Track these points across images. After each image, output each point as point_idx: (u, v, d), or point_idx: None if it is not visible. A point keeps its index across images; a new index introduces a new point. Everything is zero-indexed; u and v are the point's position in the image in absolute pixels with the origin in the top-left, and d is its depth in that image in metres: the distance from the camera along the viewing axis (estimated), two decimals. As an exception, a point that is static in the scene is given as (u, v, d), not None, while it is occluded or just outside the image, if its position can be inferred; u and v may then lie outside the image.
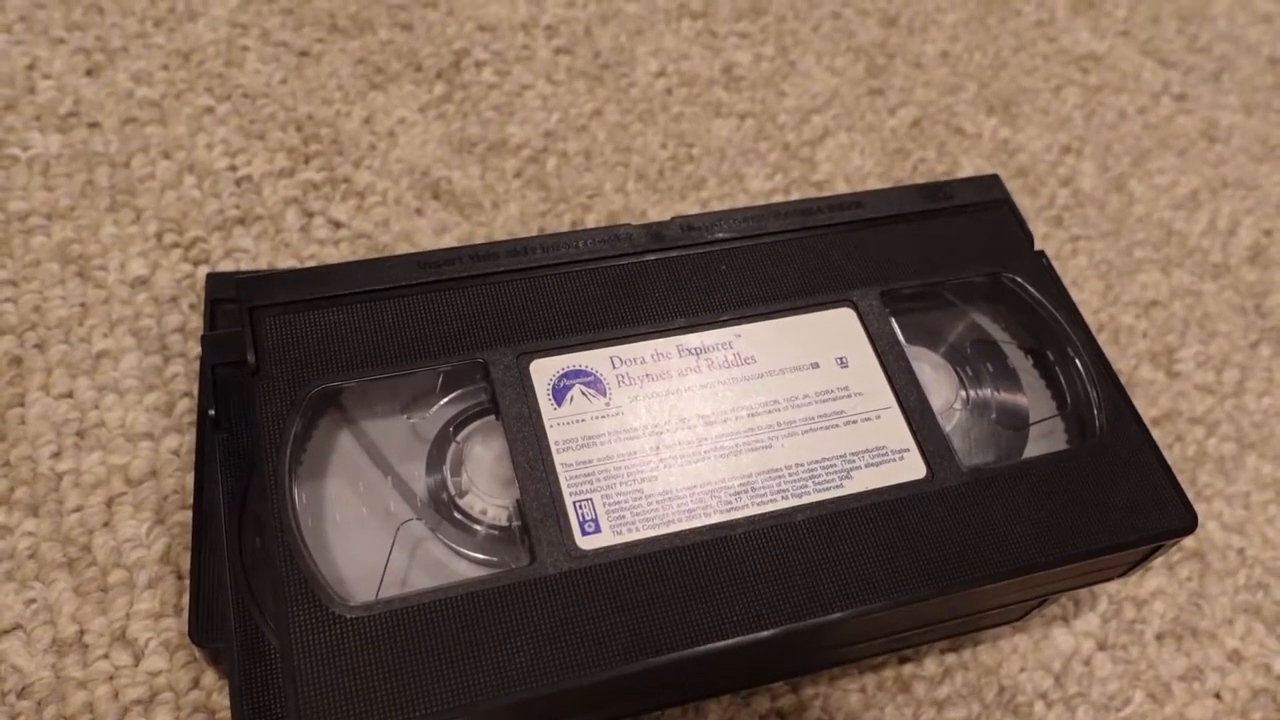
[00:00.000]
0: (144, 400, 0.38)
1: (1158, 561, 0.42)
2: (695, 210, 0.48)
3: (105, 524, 0.36)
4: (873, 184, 0.50)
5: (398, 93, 0.49)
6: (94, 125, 0.45)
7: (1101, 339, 0.48)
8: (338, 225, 0.44)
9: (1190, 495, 0.43)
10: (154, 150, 0.44)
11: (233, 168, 0.45)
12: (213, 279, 0.38)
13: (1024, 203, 0.51)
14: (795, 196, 0.49)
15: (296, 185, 0.45)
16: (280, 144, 0.46)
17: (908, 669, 0.38)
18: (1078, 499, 0.31)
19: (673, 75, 0.52)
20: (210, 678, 0.34)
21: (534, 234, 0.44)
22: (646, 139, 0.50)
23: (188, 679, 0.33)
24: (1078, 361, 0.34)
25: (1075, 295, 0.49)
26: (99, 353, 0.39)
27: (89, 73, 0.46)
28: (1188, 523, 0.31)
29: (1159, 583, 0.41)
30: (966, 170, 0.52)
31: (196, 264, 0.42)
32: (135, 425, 0.38)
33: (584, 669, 0.26)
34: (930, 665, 0.38)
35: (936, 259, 0.35)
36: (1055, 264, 0.49)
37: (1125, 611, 0.40)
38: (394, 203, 0.45)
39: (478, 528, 0.30)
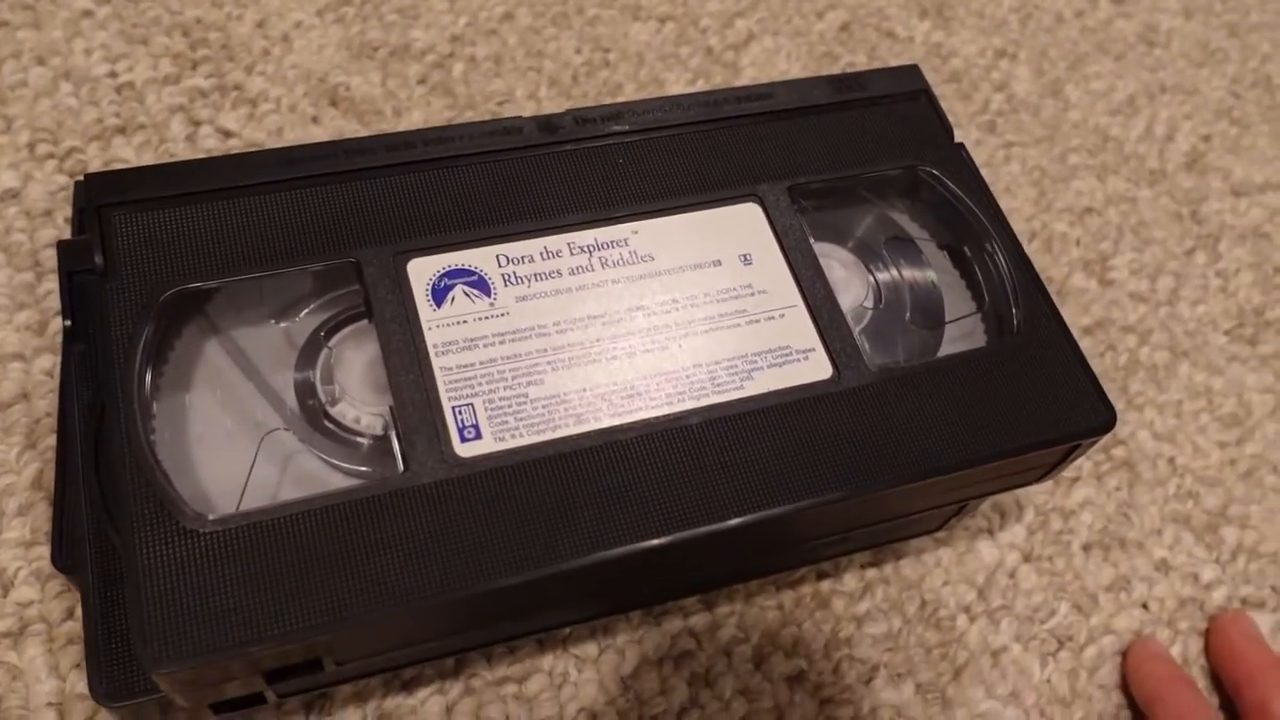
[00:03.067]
0: (14, 319, 0.36)
1: (1086, 471, 0.41)
2: (611, 117, 0.45)
3: (-29, 449, 0.33)
4: (799, 90, 0.48)
5: (294, -5, 0.46)
6: (-39, 30, 0.42)
7: (1034, 247, 0.46)
8: (227, 135, 0.41)
9: (1122, 404, 0.42)
10: (26, 56, 0.41)
11: (113, 74, 0.42)
12: (81, 185, 0.35)
13: (956, 108, 0.50)
14: (717, 103, 0.47)
15: (182, 92, 0.42)
16: (165, 49, 0.43)
17: (826, 584, 0.36)
18: (993, 398, 0.29)
19: (589, -23, 0.50)
20: (85, 608, 0.32)
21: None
22: (560, 43, 0.47)
23: (61, 609, 0.32)
24: (996, 258, 0.32)
25: (1007, 202, 0.47)
26: (-36, 269, 0.36)
27: (-44, -26, 0.43)
28: (1106, 420, 0.30)
29: (1087, 493, 0.40)
30: (897, 76, 0.50)
31: (72, 176, 0.39)
32: (4, 345, 0.35)
33: (462, 581, 0.25)
34: (850, 580, 0.37)
35: (849, 152, 0.33)
36: (987, 172, 0.47)
37: (1052, 523, 0.39)
38: (288, 110, 0.42)
39: (352, 438, 0.28)
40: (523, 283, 0.29)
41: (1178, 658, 0.38)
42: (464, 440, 0.26)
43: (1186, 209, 0.49)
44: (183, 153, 0.40)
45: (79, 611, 0.32)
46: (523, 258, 0.29)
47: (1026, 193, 0.48)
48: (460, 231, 0.29)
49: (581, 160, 0.31)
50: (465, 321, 0.28)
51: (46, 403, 0.35)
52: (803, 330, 0.30)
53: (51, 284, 0.37)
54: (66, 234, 0.38)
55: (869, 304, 0.33)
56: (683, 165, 0.32)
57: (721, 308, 0.30)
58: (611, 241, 0.30)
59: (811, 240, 0.31)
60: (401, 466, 0.26)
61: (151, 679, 0.23)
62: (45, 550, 0.32)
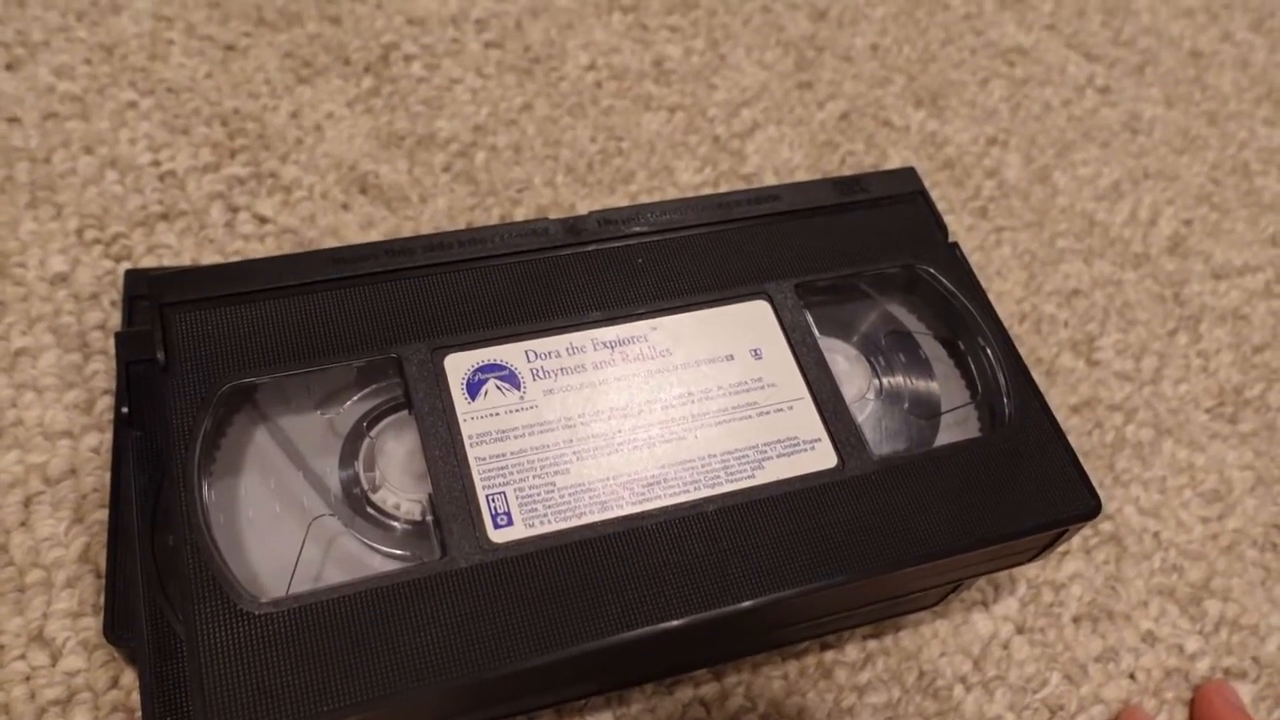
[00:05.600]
0: (63, 398, 0.38)
1: (1075, 545, 0.43)
2: (624, 204, 0.48)
3: (23, 523, 0.35)
4: (802, 176, 0.51)
5: (325, 87, 0.48)
6: (14, 120, 0.44)
7: (1024, 328, 0.48)
8: (263, 220, 0.44)
9: (1108, 480, 0.45)
10: (75, 145, 0.44)
11: (156, 163, 0.44)
12: (131, 275, 0.38)
13: (950, 194, 0.52)
14: (724, 189, 0.50)
15: (221, 180, 0.44)
16: (205, 139, 0.45)
17: (829, 655, 0.38)
18: (986, 485, 0.32)
19: (603, 69, 0.52)
20: (129, 677, 0.33)
21: (458, 229, 0.44)
22: (576, 133, 0.50)
23: (106, 678, 0.33)
24: (988, 351, 0.35)
25: (999, 286, 0.49)
26: (17, 350, 0.38)
27: (9, 67, 0.46)
28: (1092, 507, 0.32)
29: (1076, 566, 0.42)
30: (894, 162, 0.53)
31: (118, 260, 0.41)
32: (54, 423, 0.37)
33: (495, 661, 0.26)
34: (852, 651, 0.39)
35: (851, 251, 0.36)
36: (979, 255, 0.50)
37: (1043, 595, 0.41)
38: (320, 197, 0.45)
39: (391, 522, 0.30)
40: (550, 377, 0.31)
41: (1163, 727, 0.40)
42: (497, 526, 0.28)
43: (1169, 291, 0.52)
44: (221, 238, 0.43)
45: (123, 680, 0.34)
46: (550, 353, 0.32)
47: (1017, 275, 0.50)
48: (492, 328, 0.31)
49: (604, 260, 0.33)
50: (498, 414, 0.30)
51: (94, 479, 0.37)
52: (809, 422, 0.32)
53: (98, 364, 0.39)
54: (113, 317, 0.40)
55: (870, 395, 0.35)
56: (697, 265, 0.34)
57: (734, 400, 0.32)
58: (632, 338, 0.32)
59: (817, 335, 0.34)
60: (439, 551, 0.28)
61: (208, 751, 0.25)
62: (92, 621, 0.34)
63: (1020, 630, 0.40)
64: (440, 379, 0.30)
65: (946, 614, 0.40)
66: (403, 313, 0.31)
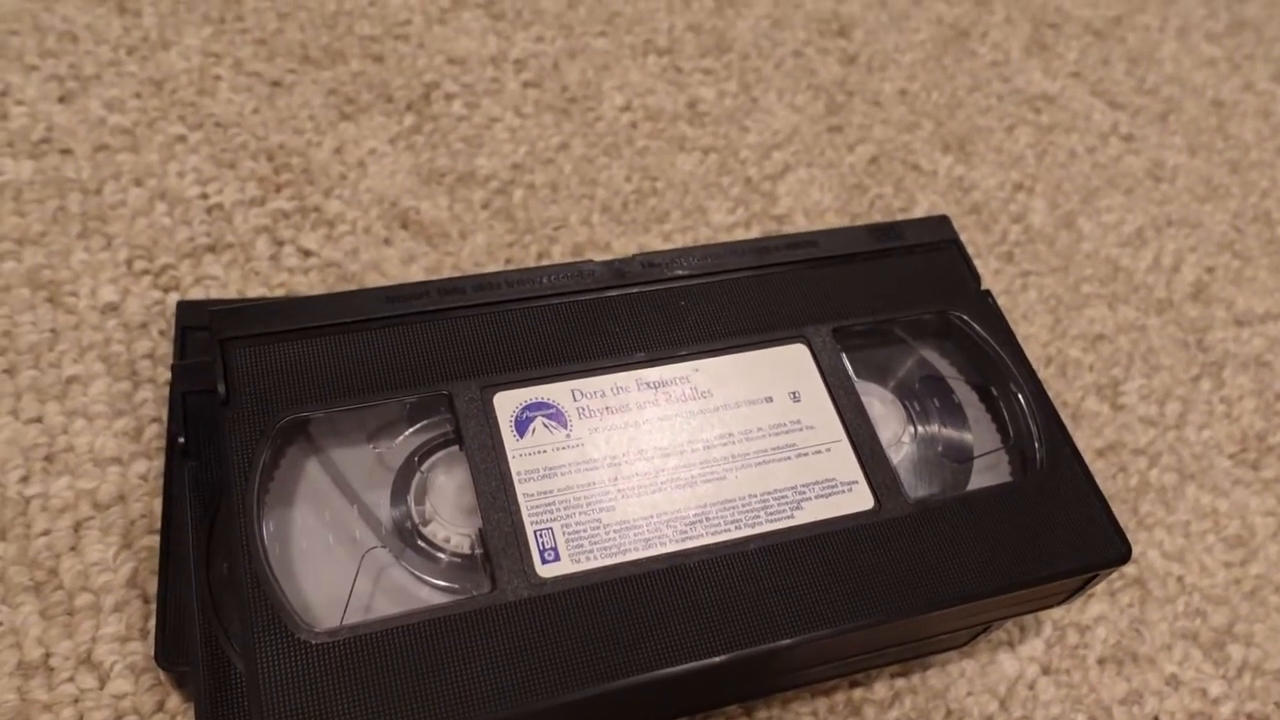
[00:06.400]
0: (113, 425, 0.39)
1: (1100, 588, 0.43)
2: (658, 243, 0.49)
3: (72, 548, 0.36)
4: (831, 219, 0.52)
5: (368, 123, 0.50)
6: (66, 152, 0.45)
7: (1049, 372, 0.49)
8: (307, 254, 0.45)
9: (1132, 524, 0.45)
10: (126, 177, 0.45)
11: (204, 195, 0.45)
12: (183, 307, 0.39)
13: (977, 239, 0.53)
14: (756, 230, 0.51)
15: (267, 214, 0.46)
16: (251, 173, 0.47)
17: (858, 693, 0.39)
18: (1018, 530, 0.32)
19: (638, 110, 0.54)
20: (175, 701, 0.34)
21: (500, 265, 0.45)
22: (612, 172, 0.51)
23: (153, 702, 0.34)
24: (1020, 397, 0.35)
25: (1024, 329, 0.50)
26: (68, 378, 0.39)
27: (62, 100, 0.47)
28: (1122, 553, 0.33)
29: (1101, 609, 0.43)
30: (922, 206, 0.54)
31: (166, 291, 0.42)
32: (104, 450, 0.38)
33: (542, 694, 0.27)
34: (880, 689, 0.39)
35: (887, 297, 0.36)
36: (1006, 299, 0.50)
37: (1069, 637, 0.42)
38: (363, 232, 0.46)
39: (441, 555, 0.31)
40: (595, 415, 0.32)
41: (1187, 771, 0.40)
42: (544, 562, 0.29)
43: (1192, 337, 0.52)
44: (267, 271, 0.44)
45: (169, 704, 0.34)
46: (595, 392, 0.32)
47: (1043, 319, 0.51)
48: (540, 367, 0.32)
49: (647, 303, 0.34)
50: (545, 451, 0.31)
51: (141, 505, 0.37)
52: (847, 464, 0.33)
53: (146, 393, 0.40)
54: (161, 346, 0.41)
55: (906, 439, 0.36)
56: (738, 308, 0.35)
57: (773, 441, 0.33)
58: (674, 379, 0.33)
59: (854, 379, 0.34)
60: (489, 585, 0.29)
61: (262, 776, 0.26)
62: (139, 645, 0.35)
63: (1046, 671, 0.41)
64: (490, 416, 0.31)
65: (973, 654, 0.41)
66: (453, 351, 0.32)
